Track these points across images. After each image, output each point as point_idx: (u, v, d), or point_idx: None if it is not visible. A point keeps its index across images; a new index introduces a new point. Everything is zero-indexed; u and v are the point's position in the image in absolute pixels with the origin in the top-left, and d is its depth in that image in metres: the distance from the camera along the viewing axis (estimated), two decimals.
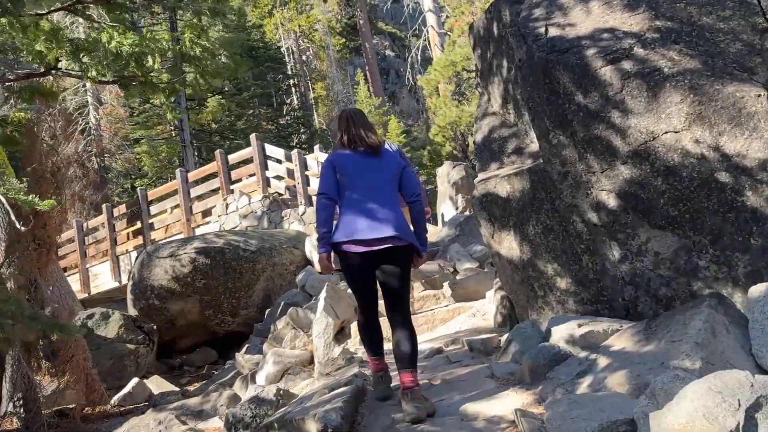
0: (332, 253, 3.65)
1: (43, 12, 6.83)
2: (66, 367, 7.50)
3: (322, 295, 6.14)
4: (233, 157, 13.39)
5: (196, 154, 23.00)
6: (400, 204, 3.73)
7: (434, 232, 11.87)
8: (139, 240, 14.69)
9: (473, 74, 25.93)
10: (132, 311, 9.62)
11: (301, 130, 28.45)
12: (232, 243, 9.26)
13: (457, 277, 6.73)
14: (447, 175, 14.07)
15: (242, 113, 25.86)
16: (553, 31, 4.17)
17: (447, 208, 13.97)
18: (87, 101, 23.23)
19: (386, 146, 4.47)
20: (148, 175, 24.02)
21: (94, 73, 6.10)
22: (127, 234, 15.27)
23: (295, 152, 12.07)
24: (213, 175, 13.87)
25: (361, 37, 33.86)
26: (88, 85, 23.18)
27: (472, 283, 6.36)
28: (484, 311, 5.79)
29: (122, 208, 15.47)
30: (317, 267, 9.51)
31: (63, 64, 6.60)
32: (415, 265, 3.88)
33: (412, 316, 3.99)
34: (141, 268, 9.28)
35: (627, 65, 3.78)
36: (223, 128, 23.92)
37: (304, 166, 12.04)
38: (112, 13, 7.11)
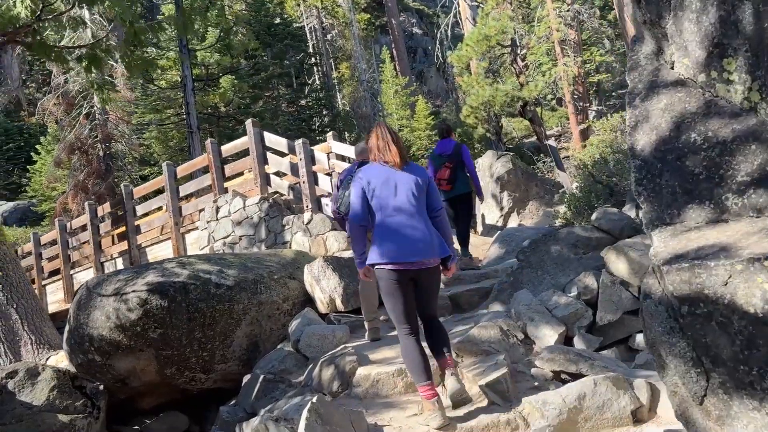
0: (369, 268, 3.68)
1: None
2: None
3: (302, 424, 3.13)
4: (227, 149, 10.39)
5: (209, 139, 20.07)
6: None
7: (476, 245, 8.77)
8: (125, 245, 11.85)
9: (508, 49, 22.58)
10: (71, 366, 6.75)
11: (324, 113, 25.35)
12: (201, 275, 6.26)
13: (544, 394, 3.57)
14: (489, 167, 10.93)
15: (259, 95, 22.81)
16: None
17: (489, 208, 10.85)
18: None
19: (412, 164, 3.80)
20: (158, 163, 21.23)
21: None
22: (112, 237, 12.45)
23: (299, 143, 9.01)
24: (207, 170, 10.91)
25: (387, 12, 30.50)
26: None
27: (578, 402, 3.27)
28: None
29: (107, 207, 12.62)
30: (320, 306, 6.51)
31: None
32: (447, 275, 3.85)
33: None
34: (78, 310, 6.36)
35: None
36: (237, 111, 20.88)
37: (311, 160, 8.99)
38: None
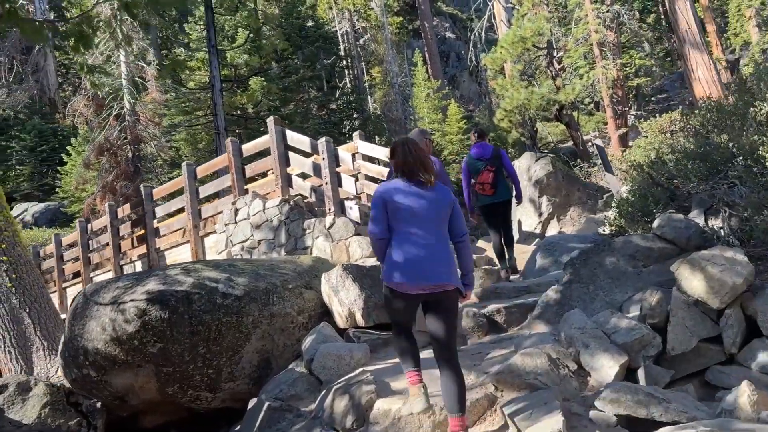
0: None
1: None
2: None
3: None
4: (247, 148, 9.75)
5: (229, 138, 19.58)
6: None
7: (517, 250, 7.92)
8: (144, 248, 11.28)
9: (544, 52, 21.63)
10: (65, 381, 6.11)
11: (354, 116, 24.69)
12: (207, 284, 5.57)
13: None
14: (527, 170, 10.08)
15: (290, 97, 22.25)
16: None
17: (527, 214, 10.00)
18: (121, 84, 20.01)
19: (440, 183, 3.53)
20: None
21: None
22: (132, 240, 11.91)
23: (322, 141, 8.29)
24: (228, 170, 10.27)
25: (420, 16, 29.77)
26: (123, 66, 20.00)
27: None
28: None
29: (127, 209, 12.09)
30: (338, 320, 5.76)
31: None
32: (463, 301, 3.54)
33: None
34: (73, 320, 5.72)
35: None
36: (267, 113, 20.35)
37: (335, 160, 8.27)
38: None
